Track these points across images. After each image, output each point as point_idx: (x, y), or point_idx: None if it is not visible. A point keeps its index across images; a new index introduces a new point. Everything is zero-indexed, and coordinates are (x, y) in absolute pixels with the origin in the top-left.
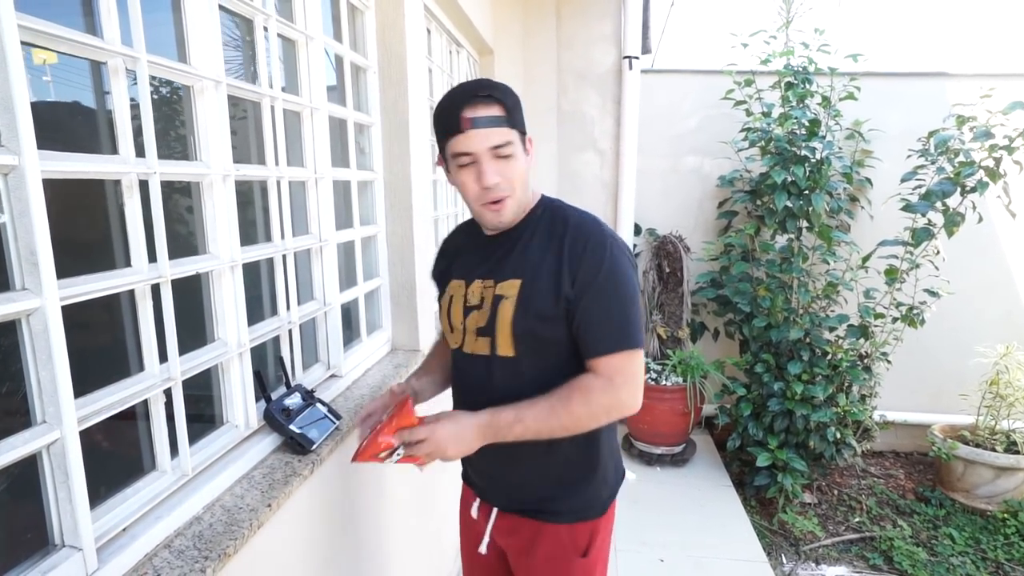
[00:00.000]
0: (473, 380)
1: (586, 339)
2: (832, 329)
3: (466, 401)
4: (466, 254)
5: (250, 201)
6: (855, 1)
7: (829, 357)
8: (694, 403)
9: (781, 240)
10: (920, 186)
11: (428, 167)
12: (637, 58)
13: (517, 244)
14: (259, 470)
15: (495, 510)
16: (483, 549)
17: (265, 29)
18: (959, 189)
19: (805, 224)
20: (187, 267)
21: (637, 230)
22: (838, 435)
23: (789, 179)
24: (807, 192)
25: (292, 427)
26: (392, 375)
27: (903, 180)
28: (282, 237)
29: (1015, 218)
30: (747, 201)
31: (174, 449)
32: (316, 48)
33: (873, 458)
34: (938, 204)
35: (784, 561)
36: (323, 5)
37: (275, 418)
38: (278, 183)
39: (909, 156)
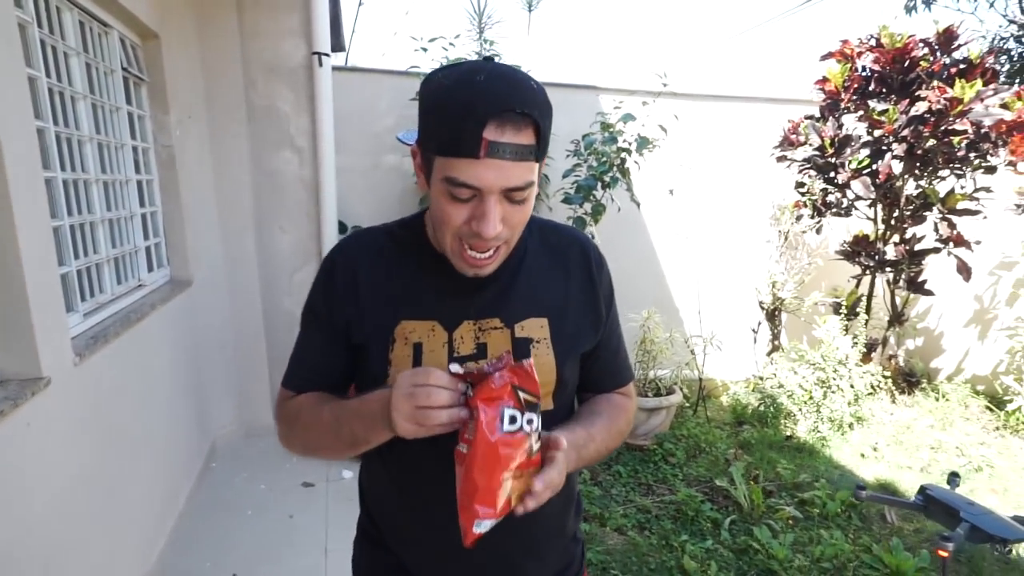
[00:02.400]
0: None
1: (612, 368)
2: None
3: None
4: (407, 282)
5: None
6: (539, 17)
7: None
8: None
9: None
10: (576, 181)
11: (36, 164)
12: (327, 55)
13: (518, 271)
14: None
15: None
16: None
17: None
18: (600, 183)
19: None
20: None
21: (342, 227)
22: None
23: None
24: None
25: None
26: None
27: (563, 176)
28: None
29: (639, 207)
30: None
31: None
32: None
33: None
34: (589, 196)
35: None
36: None
37: None
38: None
39: (567, 156)
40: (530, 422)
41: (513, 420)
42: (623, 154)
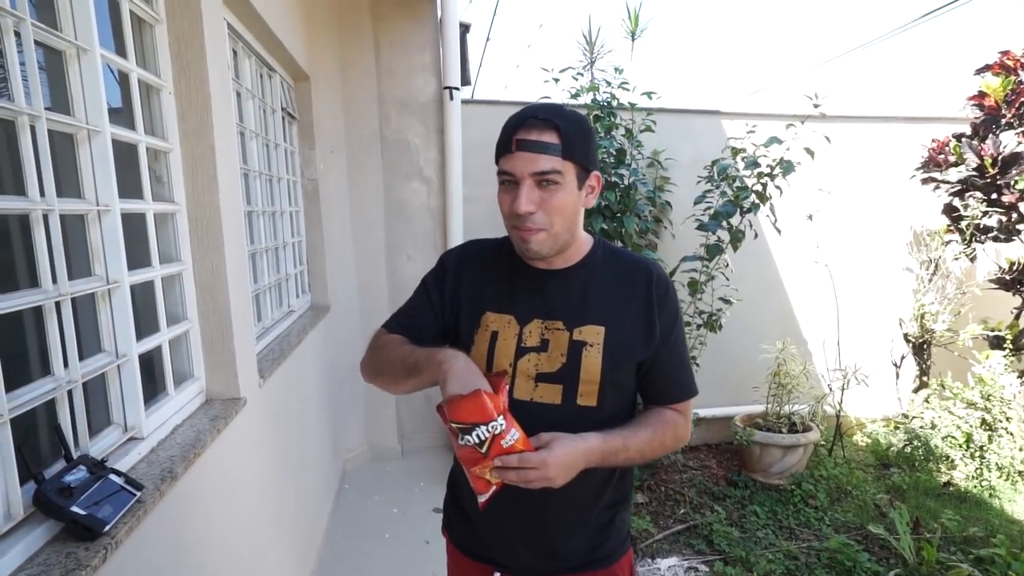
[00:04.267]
0: (533, 430)
1: (668, 385)
2: None
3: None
4: (498, 283)
5: (5, 241)
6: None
7: None
8: None
9: None
10: (709, 207)
11: (239, 196)
12: (458, 89)
13: (587, 285)
14: (26, 572)
15: None
16: None
17: (17, 35)
18: (738, 210)
19: (620, 244)
20: None
21: None
22: None
23: (603, 203)
24: (619, 215)
25: (74, 509)
26: (208, 430)
27: (695, 203)
28: (53, 281)
29: (781, 234)
30: None
31: None
32: (91, 61)
33: (690, 453)
34: (724, 223)
35: None
36: (100, 16)
37: (50, 501)
38: (44, 217)
39: (699, 182)
40: (468, 441)
41: (459, 438)
42: (764, 179)
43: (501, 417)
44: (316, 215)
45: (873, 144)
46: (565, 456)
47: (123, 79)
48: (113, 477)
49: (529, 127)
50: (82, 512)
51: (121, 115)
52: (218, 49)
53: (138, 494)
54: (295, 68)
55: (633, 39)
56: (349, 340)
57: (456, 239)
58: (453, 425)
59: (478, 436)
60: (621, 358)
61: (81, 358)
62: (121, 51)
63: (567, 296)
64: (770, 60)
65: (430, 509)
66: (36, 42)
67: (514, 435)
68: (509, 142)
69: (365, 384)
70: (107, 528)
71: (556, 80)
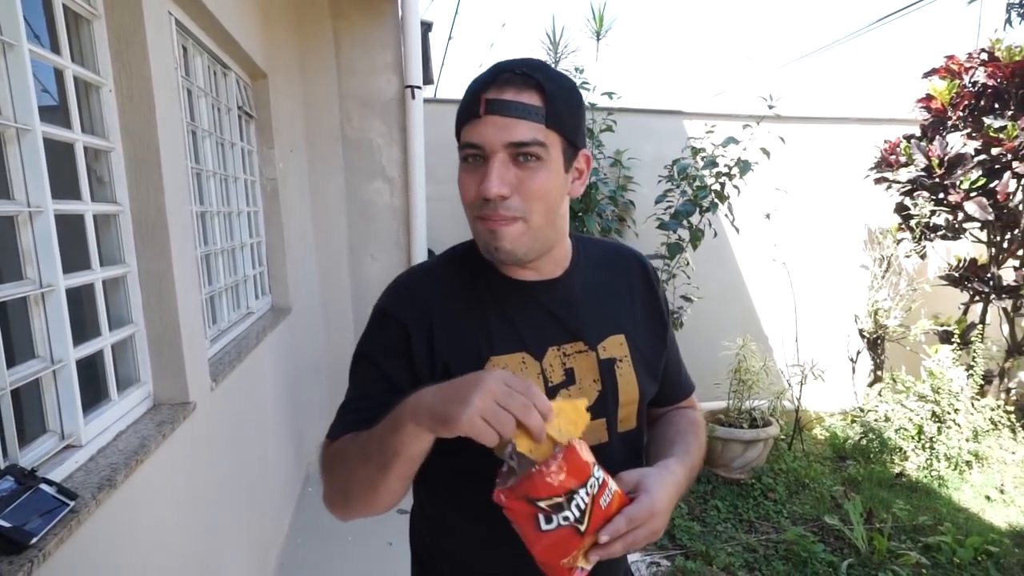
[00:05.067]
0: None
1: (679, 380)
2: None
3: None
4: (487, 315)
5: None
6: (613, 46)
7: None
8: None
9: None
10: (670, 207)
11: (187, 196)
12: (419, 87)
13: (589, 290)
14: None
15: None
16: None
17: None
18: (698, 209)
19: None
20: None
21: (431, 255)
22: None
23: None
24: (580, 214)
25: None
26: (154, 435)
27: (656, 202)
28: None
29: (739, 232)
30: None
31: None
32: (18, 57)
33: None
34: (684, 222)
35: None
36: (33, 11)
37: None
38: None
39: (660, 181)
40: (566, 518)
41: (549, 520)
42: (722, 179)
43: (596, 466)
44: (276, 215)
45: (830, 145)
46: (666, 497)
47: (59, 76)
48: (44, 487)
49: (503, 84)
50: (6, 524)
51: (57, 113)
52: (162, 45)
53: (71, 504)
54: (251, 66)
55: (598, 39)
56: (311, 341)
57: (420, 239)
58: (541, 504)
59: (578, 507)
60: (654, 364)
61: (13, 364)
62: (55, 47)
63: (576, 309)
64: (732, 62)
65: (394, 511)
66: None
67: (611, 488)
68: (476, 102)
69: (329, 385)
70: (34, 540)
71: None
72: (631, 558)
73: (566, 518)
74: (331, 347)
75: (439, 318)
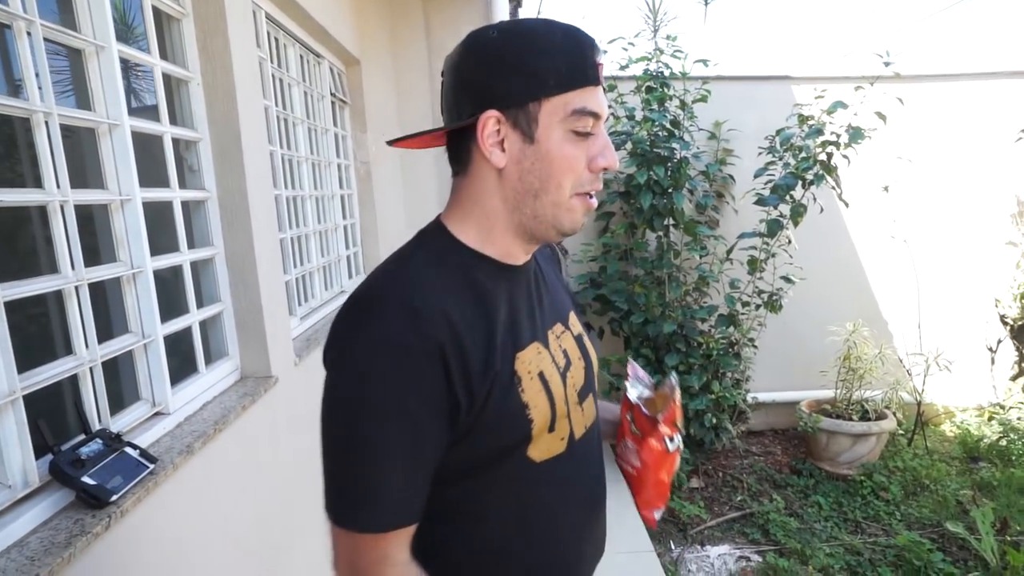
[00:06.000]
0: (591, 471)
1: None
2: (703, 320)
3: (581, 521)
4: (497, 309)
5: (24, 230)
6: (715, 11)
7: (702, 347)
8: None
9: (652, 238)
10: (771, 181)
11: (267, 181)
12: None
13: (541, 268)
14: (39, 534)
15: None
16: None
17: (29, 35)
18: (800, 182)
19: (671, 221)
20: None
21: None
22: (715, 420)
23: (653, 179)
24: (670, 191)
25: (84, 479)
26: (236, 405)
27: (755, 176)
28: (72, 267)
29: (848, 207)
30: (621, 202)
31: None
32: (109, 58)
33: (754, 437)
34: (787, 197)
35: (672, 547)
36: (131, 13)
37: (62, 471)
38: (61, 207)
39: (760, 153)
40: (671, 444)
41: (672, 439)
42: (829, 148)
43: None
44: (369, 198)
45: (969, 105)
46: None
47: (151, 73)
48: (128, 450)
49: (598, 56)
50: (92, 482)
51: (152, 108)
52: (244, 37)
53: (151, 467)
54: (344, 53)
55: (707, 3)
56: None
57: None
58: (665, 430)
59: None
60: (586, 333)
61: (108, 338)
62: (147, 46)
63: (546, 289)
64: (867, 18)
65: None
66: (52, 41)
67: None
68: (592, 67)
69: None
70: (114, 498)
71: (604, 52)
72: (721, 549)
73: (673, 444)
74: None
75: (465, 325)
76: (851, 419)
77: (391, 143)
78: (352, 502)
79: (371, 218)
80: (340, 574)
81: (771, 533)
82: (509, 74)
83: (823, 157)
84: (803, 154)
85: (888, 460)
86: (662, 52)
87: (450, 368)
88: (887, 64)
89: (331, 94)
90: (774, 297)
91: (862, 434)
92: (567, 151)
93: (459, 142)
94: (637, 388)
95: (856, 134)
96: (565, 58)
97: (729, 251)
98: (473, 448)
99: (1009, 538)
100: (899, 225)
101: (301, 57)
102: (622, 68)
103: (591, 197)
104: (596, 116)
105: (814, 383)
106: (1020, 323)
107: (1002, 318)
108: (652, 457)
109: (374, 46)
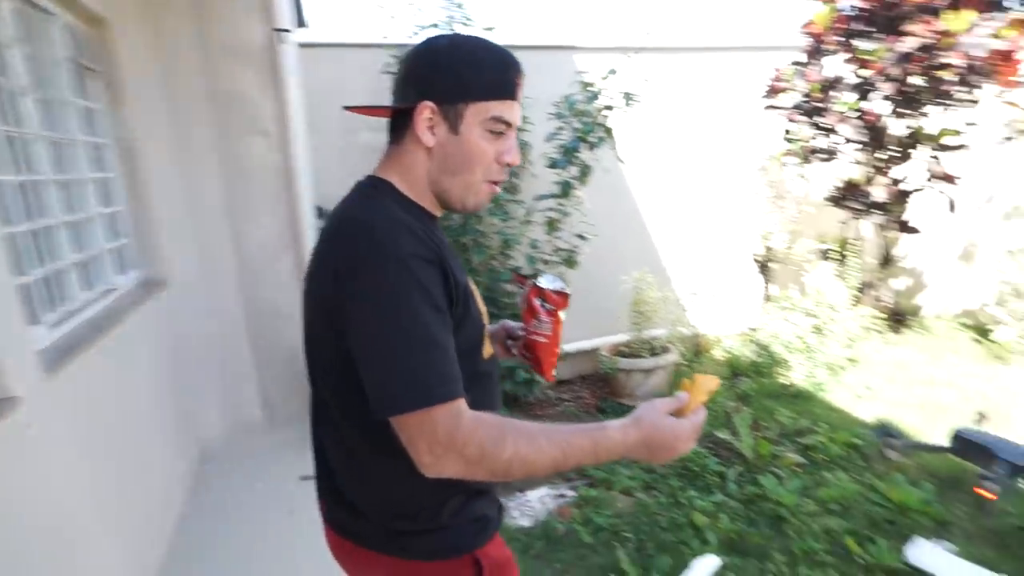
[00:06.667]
0: (496, 388)
1: None
2: (509, 281)
3: (499, 405)
4: (444, 241)
5: None
6: None
7: (509, 308)
8: None
9: None
10: (561, 145)
11: None
12: (289, 31)
13: None
14: None
15: None
16: None
17: None
18: (586, 144)
19: None
20: None
21: (320, 212)
22: (525, 375)
23: None
24: None
25: None
26: None
27: (547, 140)
28: None
29: (624, 164)
30: None
31: None
32: None
33: (564, 386)
34: (575, 158)
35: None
36: None
37: None
38: None
39: (549, 119)
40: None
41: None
42: (607, 111)
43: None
44: (137, 181)
45: (726, 74)
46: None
47: None
48: None
49: (521, 76)
50: None
51: None
52: None
53: None
54: (83, 10)
55: None
56: (195, 314)
57: (305, 196)
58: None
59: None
60: None
61: None
62: None
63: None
64: None
65: (296, 477)
66: None
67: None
68: (513, 86)
69: (220, 358)
70: None
71: (393, 17)
72: (540, 492)
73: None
74: (218, 318)
75: (445, 250)
76: (643, 356)
77: (347, 108)
78: (424, 382)
79: (141, 204)
80: (431, 455)
81: (583, 469)
82: (447, 77)
83: (602, 120)
84: (586, 118)
85: (674, 388)
86: (453, 19)
87: (447, 276)
88: (647, 34)
89: (72, 59)
90: (571, 254)
91: (652, 368)
92: (482, 146)
93: (401, 119)
94: (547, 280)
95: (628, 97)
96: (493, 75)
97: (528, 214)
98: (457, 342)
99: (759, 435)
100: (671, 181)
101: (17, 11)
102: (413, 35)
103: (496, 185)
104: (509, 125)
105: (612, 329)
106: (764, 259)
107: (753, 256)
108: (560, 326)
109: (126, 3)
